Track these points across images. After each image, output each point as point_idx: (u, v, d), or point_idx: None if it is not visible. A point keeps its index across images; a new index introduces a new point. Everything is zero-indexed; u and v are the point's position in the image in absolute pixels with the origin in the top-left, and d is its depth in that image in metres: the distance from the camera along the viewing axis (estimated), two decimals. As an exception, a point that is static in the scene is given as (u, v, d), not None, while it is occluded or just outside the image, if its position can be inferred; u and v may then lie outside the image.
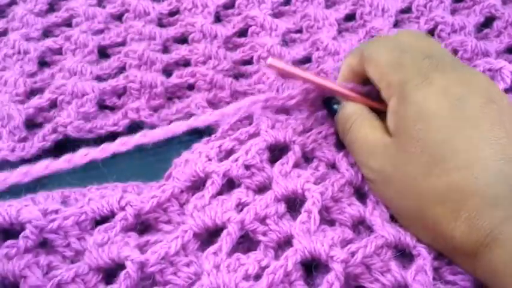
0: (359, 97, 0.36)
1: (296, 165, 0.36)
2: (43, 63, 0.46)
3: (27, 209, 0.31)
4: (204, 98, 0.42)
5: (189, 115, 0.42)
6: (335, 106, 0.37)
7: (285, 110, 0.38)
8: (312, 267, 0.32)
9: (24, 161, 0.39)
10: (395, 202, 0.32)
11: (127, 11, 0.49)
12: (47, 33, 0.48)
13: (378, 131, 0.33)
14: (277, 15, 0.49)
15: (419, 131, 0.30)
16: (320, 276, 0.31)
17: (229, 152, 0.36)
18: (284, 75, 0.40)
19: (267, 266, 0.30)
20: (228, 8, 0.49)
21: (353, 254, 0.31)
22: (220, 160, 0.35)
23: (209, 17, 0.48)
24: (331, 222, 0.34)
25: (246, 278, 0.30)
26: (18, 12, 0.48)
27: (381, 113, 0.35)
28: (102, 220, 0.33)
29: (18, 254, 0.30)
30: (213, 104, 0.42)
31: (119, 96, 0.43)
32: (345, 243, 0.32)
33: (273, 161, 0.36)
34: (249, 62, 0.45)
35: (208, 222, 0.32)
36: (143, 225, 0.34)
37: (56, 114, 0.41)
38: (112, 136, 0.41)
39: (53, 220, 0.31)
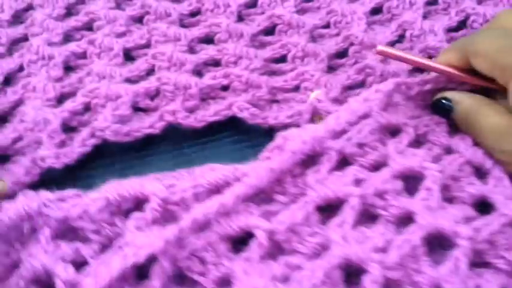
0: (475, 78, 0.36)
1: (410, 145, 0.35)
2: (67, 68, 0.44)
3: (149, 182, 0.33)
4: (245, 99, 0.41)
5: (228, 118, 0.41)
6: (445, 102, 0.36)
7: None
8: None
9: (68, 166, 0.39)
10: None
11: (147, 13, 0.48)
12: (67, 37, 0.47)
13: (504, 114, 0.34)
14: (300, 12, 0.48)
15: None
16: (439, 253, 0.31)
17: (341, 133, 0.35)
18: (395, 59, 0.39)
19: (391, 240, 0.30)
20: (250, 7, 0.49)
21: (478, 230, 0.31)
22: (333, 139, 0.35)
23: (232, 16, 0.47)
24: (451, 200, 0.33)
25: (375, 250, 0.30)
26: (37, 18, 0.46)
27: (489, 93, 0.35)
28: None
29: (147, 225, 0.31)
30: (252, 104, 0.41)
31: (152, 98, 0.42)
32: (467, 220, 0.31)
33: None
34: (279, 60, 0.45)
35: (330, 194, 0.32)
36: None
37: (92, 118, 0.40)
38: (147, 139, 0.41)
39: (174, 193, 0.32)
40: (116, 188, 0.32)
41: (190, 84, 0.41)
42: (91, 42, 0.45)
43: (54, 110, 0.39)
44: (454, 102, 0.36)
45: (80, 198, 0.32)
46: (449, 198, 0.34)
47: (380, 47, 0.36)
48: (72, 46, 0.45)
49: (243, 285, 0.29)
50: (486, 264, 0.31)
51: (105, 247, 0.31)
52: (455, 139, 0.36)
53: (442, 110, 0.37)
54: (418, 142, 0.36)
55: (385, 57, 0.39)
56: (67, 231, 0.32)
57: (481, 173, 0.35)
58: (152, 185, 0.32)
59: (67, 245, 0.31)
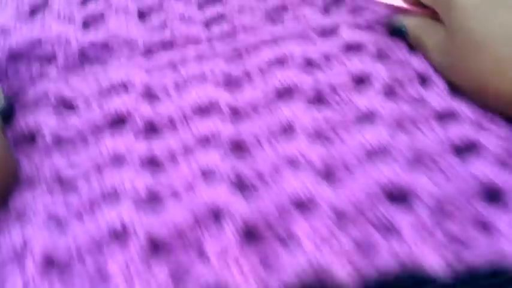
0: (427, 10, 0.41)
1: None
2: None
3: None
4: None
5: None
6: (400, 25, 0.42)
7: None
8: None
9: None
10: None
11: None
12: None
13: (442, 33, 0.38)
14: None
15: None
16: None
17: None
18: None
19: None
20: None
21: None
22: None
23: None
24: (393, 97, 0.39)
25: None
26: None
27: None
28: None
29: None
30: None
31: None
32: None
33: None
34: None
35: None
36: None
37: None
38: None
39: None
40: None
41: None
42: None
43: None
44: (407, 26, 0.42)
45: None
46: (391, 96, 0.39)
47: None
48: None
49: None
50: None
51: None
52: (411, 55, 0.41)
53: (399, 32, 0.42)
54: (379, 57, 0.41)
55: None
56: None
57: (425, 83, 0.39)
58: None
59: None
